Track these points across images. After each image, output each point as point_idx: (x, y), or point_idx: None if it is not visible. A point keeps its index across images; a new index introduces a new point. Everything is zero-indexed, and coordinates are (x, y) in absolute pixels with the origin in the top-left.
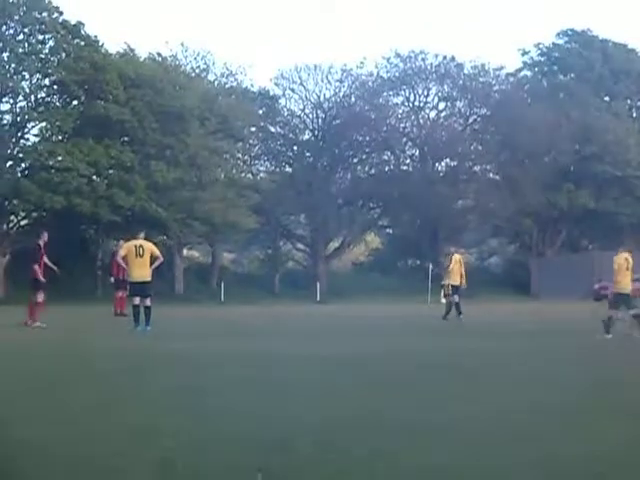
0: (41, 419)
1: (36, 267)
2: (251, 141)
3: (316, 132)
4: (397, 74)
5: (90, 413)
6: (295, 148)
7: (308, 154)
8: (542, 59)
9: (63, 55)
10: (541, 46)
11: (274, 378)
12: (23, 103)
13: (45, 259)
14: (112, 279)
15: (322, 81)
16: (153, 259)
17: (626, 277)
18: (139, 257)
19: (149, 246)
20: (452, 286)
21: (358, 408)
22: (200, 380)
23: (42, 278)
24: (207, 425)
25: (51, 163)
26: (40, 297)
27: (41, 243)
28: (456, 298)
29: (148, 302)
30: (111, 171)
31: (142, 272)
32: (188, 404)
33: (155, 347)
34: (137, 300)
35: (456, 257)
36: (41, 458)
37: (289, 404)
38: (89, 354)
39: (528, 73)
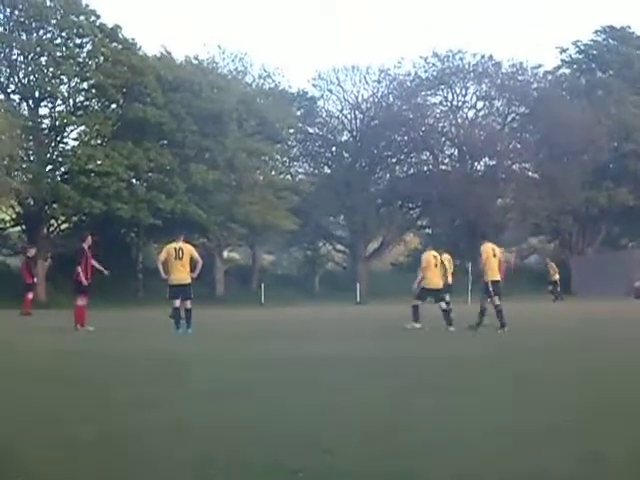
0: (91, 418)
1: (79, 271)
2: (289, 142)
3: (354, 133)
4: (435, 73)
5: (136, 411)
6: (333, 149)
7: (346, 155)
8: (580, 57)
9: (101, 59)
10: (579, 44)
11: (323, 380)
12: (62, 107)
13: (93, 262)
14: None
15: (360, 82)
16: (193, 262)
17: None
18: (178, 259)
19: (188, 249)
20: (492, 282)
21: (414, 410)
22: (242, 381)
23: (85, 282)
24: (254, 424)
25: (90, 167)
26: (82, 301)
27: (85, 246)
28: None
29: (189, 304)
30: (150, 174)
31: (181, 275)
32: (231, 404)
33: (196, 348)
34: (177, 302)
35: (487, 247)
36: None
37: (334, 407)
38: (136, 356)
39: (566, 71)
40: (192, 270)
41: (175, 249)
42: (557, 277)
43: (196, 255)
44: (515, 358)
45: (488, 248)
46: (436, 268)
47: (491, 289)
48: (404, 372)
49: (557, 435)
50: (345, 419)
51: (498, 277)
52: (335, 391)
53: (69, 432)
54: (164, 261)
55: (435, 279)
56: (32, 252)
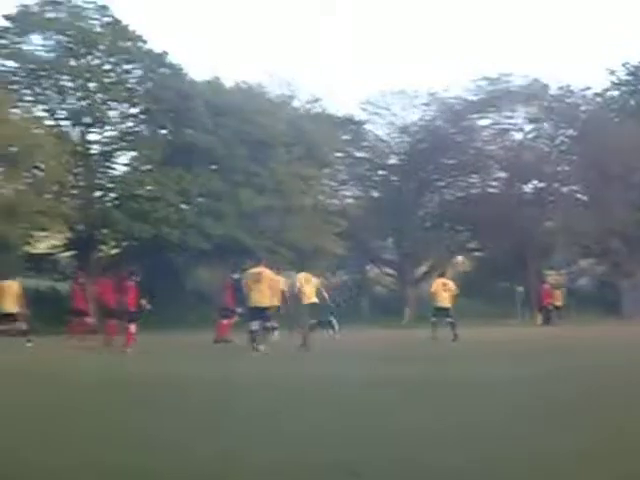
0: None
1: (132, 299)
2: (337, 167)
3: (402, 156)
4: (483, 96)
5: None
6: (381, 173)
7: (395, 178)
8: (630, 78)
9: (150, 84)
10: (628, 65)
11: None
12: (111, 133)
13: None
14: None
15: (408, 105)
16: (272, 287)
17: None
18: (257, 283)
19: (267, 274)
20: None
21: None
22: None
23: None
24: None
25: (140, 192)
26: (133, 328)
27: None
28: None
29: (268, 325)
30: (200, 199)
31: (260, 298)
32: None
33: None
34: (255, 325)
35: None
36: None
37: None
38: (202, 380)
39: (615, 93)
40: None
41: (254, 274)
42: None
43: (275, 280)
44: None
45: None
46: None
47: None
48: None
49: None
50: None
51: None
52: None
53: None
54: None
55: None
56: (83, 278)
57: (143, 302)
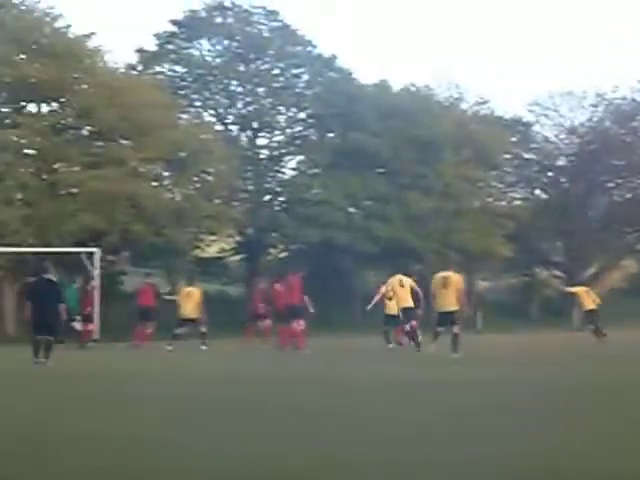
0: None
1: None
2: (505, 168)
3: (570, 157)
4: None
5: None
6: (549, 174)
7: (563, 180)
8: None
9: (318, 88)
10: None
11: None
12: (280, 137)
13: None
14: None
15: (576, 107)
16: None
17: None
18: (444, 289)
19: (455, 278)
20: None
21: None
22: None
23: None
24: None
25: (308, 196)
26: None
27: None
28: None
29: (456, 329)
30: (367, 202)
31: (446, 302)
32: None
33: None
34: (441, 328)
35: None
36: None
37: None
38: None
39: None
40: (458, 300)
41: (443, 277)
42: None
43: (460, 285)
44: None
45: None
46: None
47: None
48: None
49: None
50: None
51: None
52: None
53: None
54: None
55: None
56: (263, 283)
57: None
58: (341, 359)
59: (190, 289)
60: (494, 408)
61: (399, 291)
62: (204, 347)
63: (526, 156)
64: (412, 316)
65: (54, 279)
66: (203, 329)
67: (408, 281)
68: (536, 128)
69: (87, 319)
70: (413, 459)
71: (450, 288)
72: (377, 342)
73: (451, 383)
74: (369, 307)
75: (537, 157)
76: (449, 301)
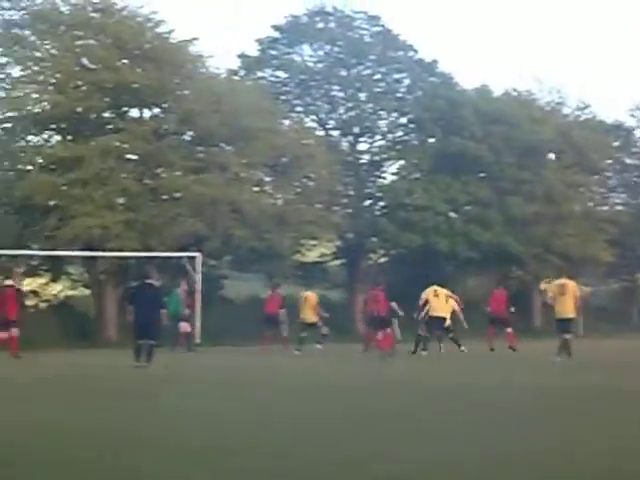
0: None
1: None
2: (607, 173)
3: None
4: None
5: None
6: None
7: None
8: None
9: (419, 93)
10: None
11: None
12: (381, 142)
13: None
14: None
15: None
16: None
17: None
18: (562, 295)
19: (572, 285)
20: None
21: None
22: None
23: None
24: None
25: (408, 201)
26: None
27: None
28: None
29: (566, 337)
30: (468, 207)
31: (564, 309)
32: None
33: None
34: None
35: None
36: None
37: None
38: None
39: None
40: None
41: (560, 285)
42: None
43: (577, 292)
44: None
45: None
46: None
47: None
48: None
49: None
50: None
51: None
52: None
53: None
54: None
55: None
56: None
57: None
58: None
59: (308, 293)
60: None
61: (433, 301)
62: (319, 346)
63: (628, 161)
64: (439, 326)
65: (156, 284)
66: (324, 331)
67: (443, 291)
68: (638, 133)
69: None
70: None
71: (567, 295)
72: (479, 348)
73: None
74: (420, 316)
75: (639, 162)
76: (567, 308)
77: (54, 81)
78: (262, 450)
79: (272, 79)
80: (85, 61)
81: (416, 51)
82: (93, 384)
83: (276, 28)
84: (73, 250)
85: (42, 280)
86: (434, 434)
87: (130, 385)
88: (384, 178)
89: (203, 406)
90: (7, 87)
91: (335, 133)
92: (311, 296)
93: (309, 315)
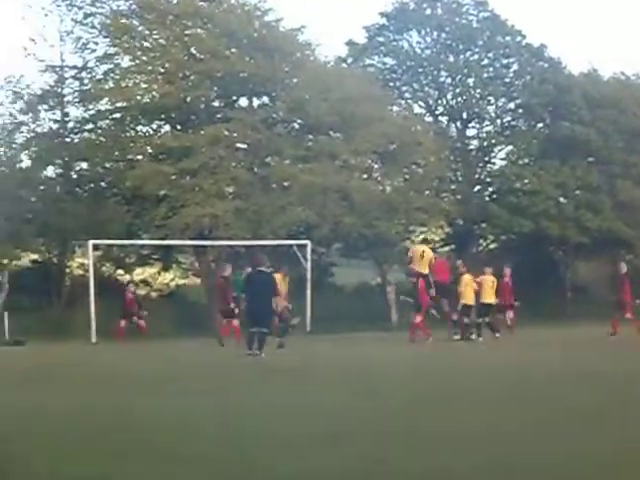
0: None
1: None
2: None
3: None
4: None
5: None
6: None
7: None
8: None
9: (527, 78)
10: None
11: None
12: (489, 128)
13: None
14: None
15: None
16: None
17: None
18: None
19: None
20: None
21: None
22: None
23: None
24: None
25: (518, 186)
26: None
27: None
28: None
29: None
30: (577, 192)
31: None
32: None
33: None
34: None
35: None
36: None
37: None
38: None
39: None
40: None
41: None
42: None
43: None
44: None
45: None
46: None
47: None
48: None
49: None
50: None
51: None
52: None
53: None
54: None
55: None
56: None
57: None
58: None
59: (487, 277)
60: None
61: (485, 286)
62: (497, 335)
63: None
64: (488, 312)
65: (268, 272)
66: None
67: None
68: None
69: None
70: None
71: None
72: (596, 333)
73: None
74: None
75: None
76: None
77: (163, 71)
78: None
79: (380, 66)
80: (194, 50)
81: (524, 36)
82: (204, 372)
83: (383, 15)
84: (183, 239)
85: (153, 270)
86: None
87: (241, 373)
88: (493, 163)
89: (304, 396)
90: (116, 77)
91: (443, 119)
92: (489, 278)
93: (489, 297)
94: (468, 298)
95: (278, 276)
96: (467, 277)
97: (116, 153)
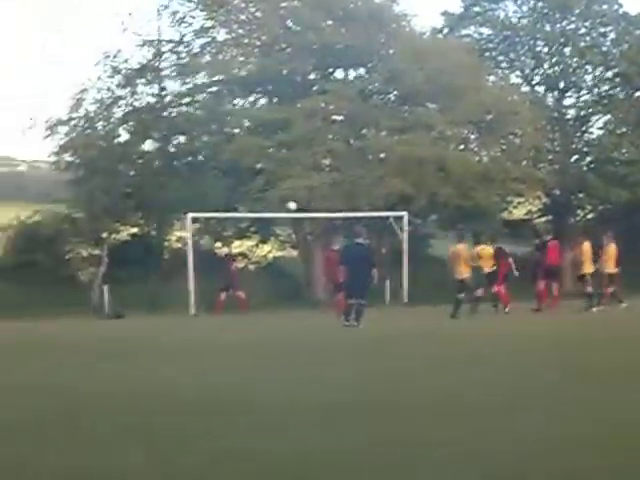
0: None
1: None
2: None
3: None
4: None
5: None
6: None
7: None
8: None
9: (625, 47)
10: None
11: None
12: (587, 97)
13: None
14: None
15: None
16: None
17: None
18: None
19: None
20: None
21: None
22: None
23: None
24: None
25: (616, 156)
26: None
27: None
28: None
29: None
30: None
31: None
32: None
33: None
34: None
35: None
36: None
37: None
38: None
39: None
40: None
41: None
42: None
43: None
44: None
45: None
46: None
47: None
48: None
49: None
50: None
51: None
52: None
53: None
54: None
55: None
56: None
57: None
58: None
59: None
60: None
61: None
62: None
63: None
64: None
65: (365, 244)
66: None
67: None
68: None
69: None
70: None
71: None
72: None
73: None
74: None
75: None
76: None
77: (259, 44)
78: None
79: (476, 36)
80: (290, 23)
81: (621, 5)
82: (299, 344)
83: None
84: (281, 212)
85: (251, 242)
86: None
87: (337, 345)
88: (591, 133)
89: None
90: (213, 51)
91: (540, 89)
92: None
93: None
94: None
95: (461, 246)
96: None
97: (213, 126)
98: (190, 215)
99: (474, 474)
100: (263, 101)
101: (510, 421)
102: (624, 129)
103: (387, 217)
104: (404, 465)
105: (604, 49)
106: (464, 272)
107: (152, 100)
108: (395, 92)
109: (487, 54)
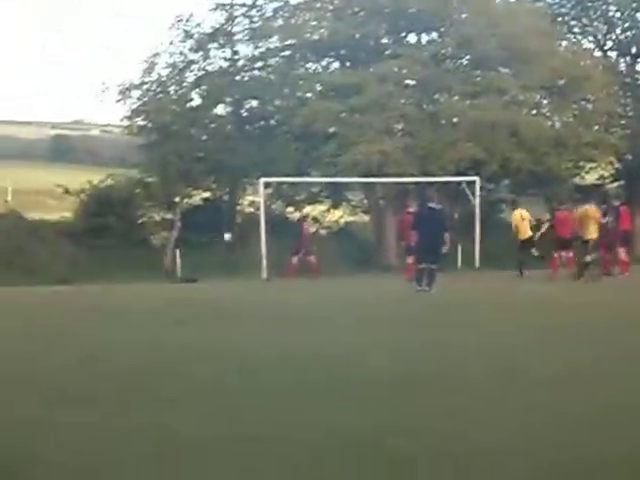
0: None
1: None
2: None
3: None
4: None
5: None
6: None
7: None
8: None
9: None
10: None
11: None
12: None
13: None
14: None
15: None
16: None
17: None
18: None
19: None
20: None
21: None
22: None
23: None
24: None
25: None
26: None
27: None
28: None
29: None
30: None
31: None
32: None
33: None
34: None
35: None
36: None
37: None
38: None
39: None
40: None
41: None
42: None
43: None
44: None
45: None
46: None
47: None
48: None
49: None
50: None
51: None
52: None
53: None
54: None
55: None
56: None
57: None
58: None
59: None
60: None
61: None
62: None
63: None
64: None
65: (438, 207)
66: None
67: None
68: None
69: None
70: None
71: None
72: None
73: None
74: None
75: None
76: None
77: (332, 8)
78: None
79: (549, 1)
80: None
81: None
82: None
83: None
84: (352, 176)
85: (322, 207)
86: None
87: (411, 310)
88: None
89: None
90: (285, 15)
91: (612, 54)
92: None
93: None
94: None
95: (591, 207)
96: None
97: (286, 90)
98: (262, 180)
99: None
100: (335, 65)
101: None
102: None
103: (459, 182)
104: None
105: None
106: (593, 232)
107: (224, 64)
108: (468, 56)
109: (559, 19)
